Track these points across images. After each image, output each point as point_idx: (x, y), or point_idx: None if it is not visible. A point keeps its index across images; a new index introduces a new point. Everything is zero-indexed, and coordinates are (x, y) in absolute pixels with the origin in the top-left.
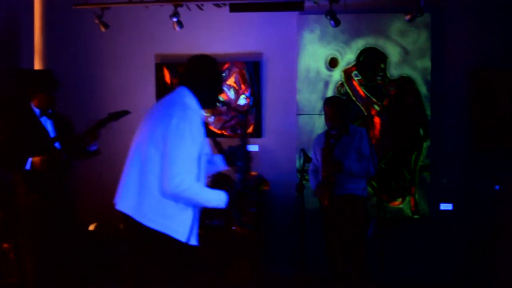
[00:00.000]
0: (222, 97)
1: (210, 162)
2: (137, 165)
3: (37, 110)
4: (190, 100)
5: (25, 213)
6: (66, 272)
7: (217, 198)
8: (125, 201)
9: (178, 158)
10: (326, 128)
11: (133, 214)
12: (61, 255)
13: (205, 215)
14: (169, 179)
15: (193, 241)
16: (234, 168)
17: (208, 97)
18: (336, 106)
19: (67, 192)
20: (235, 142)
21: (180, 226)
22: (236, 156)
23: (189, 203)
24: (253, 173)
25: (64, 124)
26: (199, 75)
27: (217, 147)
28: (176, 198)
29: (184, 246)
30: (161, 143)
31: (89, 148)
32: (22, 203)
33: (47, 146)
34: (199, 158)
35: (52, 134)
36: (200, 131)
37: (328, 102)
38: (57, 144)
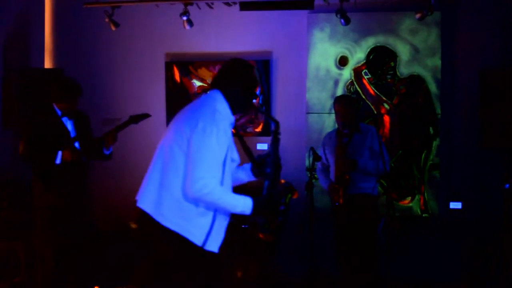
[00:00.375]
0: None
1: (240, 169)
2: (160, 165)
3: (59, 110)
4: (221, 104)
5: (40, 213)
6: (77, 272)
7: (242, 204)
8: (146, 199)
9: (202, 161)
10: (336, 126)
11: (152, 212)
12: (74, 255)
13: None
14: (192, 182)
15: (211, 247)
16: (262, 175)
17: (240, 103)
18: (346, 104)
19: (83, 194)
20: (247, 140)
21: (197, 229)
22: (265, 163)
23: (211, 207)
24: (282, 180)
25: (84, 123)
26: (232, 80)
27: (247, 153)
28: (198, 201)
29: (200, 250)
30: (186, 144)
31: (105, 151)
32: (37, 204)
33: (68, 146)
34: (225, 163)
35: (72, 134)
36: (227, 135)
37: (339, 100)
38: (76, 144)
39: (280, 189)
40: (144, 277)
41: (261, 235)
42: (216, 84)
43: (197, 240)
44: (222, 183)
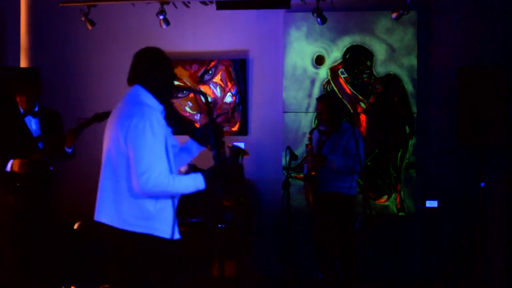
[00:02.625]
0: (208, 95)
1: (182, 150)
2: (110, 174)
3: (22, 109)
4: (145, 97)
5: (2, 214)
6: (48, 272)
7: (193, 182)
8: (104, 212)
9: (141, 157)
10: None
11: (114, 223)
12: (43, 255)
13: (188, 213)
14: (136, 180)
15: (177, 235)
16: (207, 146)
17: (162, 90)
18: (323, 103)
19: (49, 192)
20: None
21: (162, 224)
22: (207, 134)
23: (167, 196)
24: (229, 145)
25: (51, 121)
26: (147, 71)
27: (188, 133)
28: (151, 196)
29: (170, 242)
30: (125, 146)
31: (67, 149)
32: None
33: (29, 147)
34: (167, 151)
35: (36, 133)
36: (161, 126)
37: (319, 98)
38: (40, 144)
39: (229, 154)
40: (121, 281)
41: (225, 202)
42: (133, 80)
43: (166, 234)
44: (171, 171)
